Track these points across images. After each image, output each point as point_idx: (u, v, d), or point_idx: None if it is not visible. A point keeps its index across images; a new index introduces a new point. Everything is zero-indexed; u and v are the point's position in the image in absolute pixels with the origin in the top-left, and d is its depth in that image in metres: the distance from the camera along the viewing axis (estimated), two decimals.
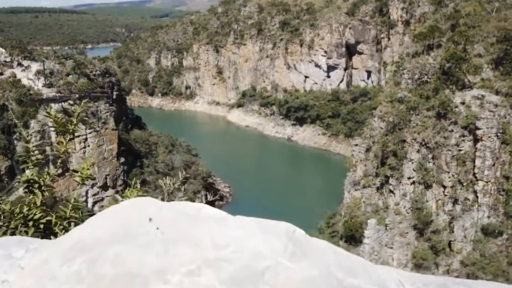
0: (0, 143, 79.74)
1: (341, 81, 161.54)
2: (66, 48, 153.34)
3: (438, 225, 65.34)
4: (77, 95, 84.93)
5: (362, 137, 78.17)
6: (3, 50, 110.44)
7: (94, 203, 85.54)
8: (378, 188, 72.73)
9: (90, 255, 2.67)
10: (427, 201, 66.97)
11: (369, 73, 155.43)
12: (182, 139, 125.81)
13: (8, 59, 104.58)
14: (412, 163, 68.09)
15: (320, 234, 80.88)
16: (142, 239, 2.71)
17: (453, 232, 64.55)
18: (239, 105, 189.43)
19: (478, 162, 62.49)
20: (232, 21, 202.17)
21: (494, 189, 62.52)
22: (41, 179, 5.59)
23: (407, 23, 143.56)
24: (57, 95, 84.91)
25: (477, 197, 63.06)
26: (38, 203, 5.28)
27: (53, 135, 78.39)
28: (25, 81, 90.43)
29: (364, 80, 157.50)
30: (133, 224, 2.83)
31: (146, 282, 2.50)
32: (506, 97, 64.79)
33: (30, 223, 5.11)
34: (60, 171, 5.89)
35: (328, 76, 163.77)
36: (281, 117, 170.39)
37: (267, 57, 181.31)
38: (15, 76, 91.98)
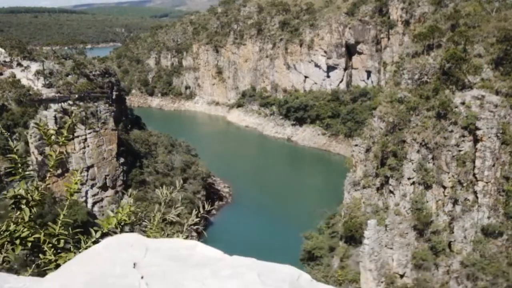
0: None
1: (340, 81, 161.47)
2: (66, 48, 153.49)
3: (438, 225, 65.23)
4: (76, 95, 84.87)
5: (362, 138, 78.04)
6: (3, 50, 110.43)
7: (94, 204, 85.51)
8: (378, 189, 72.62)
9: None
10: (427, 202, 66.85)
11: (368, 73, 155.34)
12: (181, 139, 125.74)
13: (7, 59, 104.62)
14: (412, 163, 67.97)
15: (320, 234, 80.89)
16: None
17: (453, 232, 64.44)
18: (239, 105, 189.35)
19: (478, 162, 62.38)
20: (232, 21, 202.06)
21: (494, 190, 62.42)
22: (28, 195, 5.31)
23: (407, 23, 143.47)
24: (57, 95, 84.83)
25: (477, 197, 62.95)
26: (26, 219, 5.07)
27: (52, 135, 78.24)
28: (24, 81, 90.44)
29: (364, 80, 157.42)
30: (114, 273, 2.44)
31: None
32: (506, 97, 64.68)
33: (17, 241, 4.90)
34: (46, 183, 5.67)
35: (328, 76, 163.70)
36: (280, 117, 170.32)
37: (266, 57, 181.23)
38: (15, 76, 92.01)
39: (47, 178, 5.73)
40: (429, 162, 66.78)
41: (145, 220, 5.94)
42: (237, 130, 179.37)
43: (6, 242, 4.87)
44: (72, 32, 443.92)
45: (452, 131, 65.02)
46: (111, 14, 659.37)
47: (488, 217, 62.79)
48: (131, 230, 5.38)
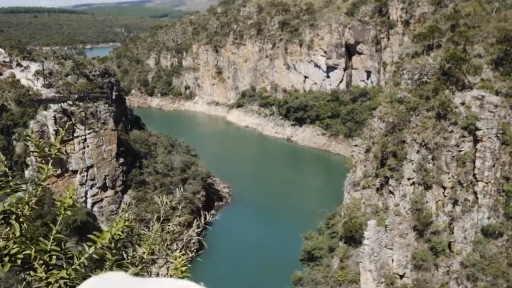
0: None
1: (340, 81, 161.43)
2: (66, 48, 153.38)
3: (438, 226, 65.15)
4: (76, 96, 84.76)
5: (361, 138, 77.96)
6: (2, 50, 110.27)
7: (93, 204, 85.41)
8: (377, 189, 72.54)
9: None
10: (427, 202, 66.78)
11: (368, 73, 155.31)
12: (181, 140, 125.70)
13: (7, 59, 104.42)
14: (412, 164, 67.90)
15: (320, 235, 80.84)
16: None
17: (453, 233, 64.35)
18: (239, 105, 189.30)
19: (478, 163, 62.30)
20: (232, 21, 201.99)
21: (494, 190, 62.34)
22: (18, 210, 5.12)
23: (406, 23, 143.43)
24: (56, 95, 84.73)
25: (477, 198, 62.87)
26: (17, 234, 4.88)
27: (52, 135, 78.24)
28: (24, 82, 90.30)
29: (363, 80, 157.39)
30: None
31: None
32: (506, 97, 64.59)
33: (6, 258, 4.72)
34: (34, 202, 5.48)
35: (328, 76, 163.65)
36: (280, 117, 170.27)
37: (266, 57, 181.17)
38: (14, 77, 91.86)
39: (38, 191, 5.53)
40: (429, 163, 66.71)
41: (142, 233, 5.79)
42: (237, 130, 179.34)
43: None
44: (72, 32, 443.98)
45: (452, 131, 64.95)
46: (111, 14, 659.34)
47: (488, 218, 62.72)
48: (129, 241, 5.29)
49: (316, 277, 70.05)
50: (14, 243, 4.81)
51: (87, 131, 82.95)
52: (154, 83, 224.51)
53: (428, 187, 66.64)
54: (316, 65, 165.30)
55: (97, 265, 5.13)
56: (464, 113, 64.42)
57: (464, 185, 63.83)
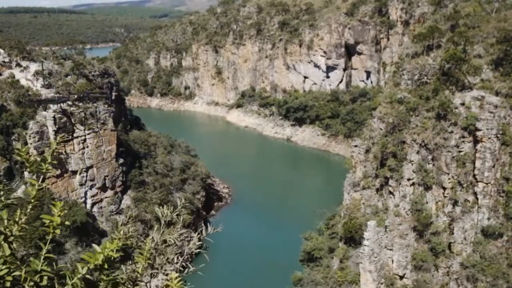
0: None
1: (340, 82, 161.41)
2: (65, 48, 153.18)
3: (438, 226, 65.07)
4: (75, 96, 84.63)
5: (361, 138, 77.87)
6: (2, 51, 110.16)
7: (93, 204, 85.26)
8: (377, 190, 72.45)
9: None
10: (427, 203, 66.70)
11: (368, 73, 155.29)
12: (181, 140, 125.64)
13: (6, 60, 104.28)
14: (412, 164, 67.81)
15: (320, 235, 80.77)
16: None
17: (453, 233, 64.27)
18: (238, 105, 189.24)
19: (478, 163, 62.21)
20: (231, 21, 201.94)
21: (494, 191, 62.25)
22: (7, 230, 4.90)
23: (406, 23, 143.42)
24: (56, 95, 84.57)
25: (477, 198, 62.78)
26: (7, 253, 4.66)
27: (51, 136, 78.11)
28: (23, 82, 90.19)
29: (363, 81, 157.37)
30: None
31: None
32: (506, 98, 64.50)
33: None
34: (23, 218, 5.25)
35: (327, 77, 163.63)
36: (280, 117, 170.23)
37: (266, 57, 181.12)
38: (14, 77, 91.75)
39: (28, 209, 5.29)
40: (429, 163, 66.63)
41: (140, 246, 5.64)
42: (236, 130, 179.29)
43: None
44: (71, 32, 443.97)
45: (452, 132, 64.87)
46: (110, 14, 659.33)
47: (488, 218, 62.64)
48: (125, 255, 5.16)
49: (316, 278, 69.98)
50: (4, 263, 4.58)
51: (86, 132, 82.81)
52: (153, 83, 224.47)
53: (428, 188, 66.57)
54: (316, 65, 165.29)
55: (91, 286, 4.96)
56: (464, 113, 64.34)
57: (464, 185, 63.76)
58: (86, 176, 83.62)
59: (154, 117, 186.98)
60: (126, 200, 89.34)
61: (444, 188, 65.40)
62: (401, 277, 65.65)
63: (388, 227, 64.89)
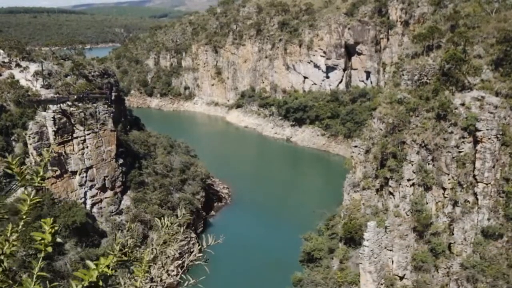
0: None
1: (340, 82, 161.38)
2: (65, 48, 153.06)
3: (438, 227, 65.02)
4: (75, 96, 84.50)
5: (361, 139, 77.81)
6: (2, 51, 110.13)
7: (93, 205, 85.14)
8: (377, 190, 72.41)
9: None
10: (427, 203, 66.65)
11: (368, 73, 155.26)
12: (181, 140, 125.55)
13: (6, 60, 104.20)
14: (412, 165, 67.76)
15: (319, 236, 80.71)
16: None
17: (453, 234, 64.22)
18: (238, 105, 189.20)
19: (478, 164, 62.16)
20: (231, 21, 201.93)
21: (494, 191, 62.20)
22: None
23: (406, 23, 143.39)
24: (56, 96, 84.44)
25: (477, 199, 62.73)
26: None
27: (51, 136, 78.03)
28: (23, 82, 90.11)
29: (363, 81, 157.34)
30: None
31: None
32: (506, 98, 64.45)
33: None
34: (18, 233, 5.10)
35: (327, 77, 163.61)
36: (280, 117, 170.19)
37: (266, 57, 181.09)
38: (13, 77, 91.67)
39: (20, 226, 5.11)
40: (429, 164, 66.58)
41: (134, 264, 5.50)
42: (236, 130, 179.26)
43: None
44: (71, 33, 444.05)
45: (452, 132, 64.82)
46: (110, 14, 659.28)
47: (488, 219, 62.59)
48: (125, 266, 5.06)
49: (316, 278, 69.91)
50: None
51: (86, 132, 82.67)
52: (153, 83, 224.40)
53: (428, 188, 66.52)
54: (316, 66, 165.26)
55: None
56: (464, 114, 64.30)
57: (464, 186, 63.71)
58: (86, 177, 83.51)
59: (153, 118, 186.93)
60: (126, 201, 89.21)
61: (444, 189, 65.36)
62: (401, 278, 65.60)
63: (388, 228, 64.83)
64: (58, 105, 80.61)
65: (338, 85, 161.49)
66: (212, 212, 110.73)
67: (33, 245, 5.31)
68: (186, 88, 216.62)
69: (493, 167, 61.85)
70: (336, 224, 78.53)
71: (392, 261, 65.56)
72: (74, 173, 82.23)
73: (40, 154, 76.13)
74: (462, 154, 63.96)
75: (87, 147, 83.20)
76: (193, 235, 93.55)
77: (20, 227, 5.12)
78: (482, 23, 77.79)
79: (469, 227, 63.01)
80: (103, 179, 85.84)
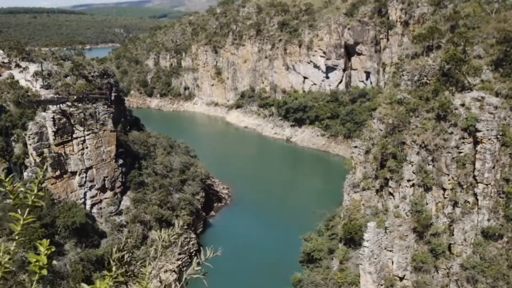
0: None
1: (340, 82, 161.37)
2: (64, 49, 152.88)
3: (438, 228, 64.96)
4: (75, 97, 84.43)
5: (361, 139, 77.75)
6: (1, 51, 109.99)
7: (92, 205, 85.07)
8: (377, 191, 72.35)
9: None
10: (427, 204, 66.59)
11: (368, 74, 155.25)
12: (180, 140, 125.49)
13: (6, 60, 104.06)
14: (412, 165, 67.71)
15: (319, 236, 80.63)
16: None
17: (453, 235, 64.16)
18: (238, 106, 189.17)
19: (478, 164, 62.10)
20: (231, 21, 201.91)
21: (494, 192, 62.14)
22: None
23: (406, 24, 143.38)
24: (55, 96, 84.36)
25: (477, 199, 62.68)
26: None
27: (51, 136, 77.96)
28: (23, 83, 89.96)
29: (363, 81, 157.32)
30: None
31: None
32: (506, 99, 64.37)
33: None
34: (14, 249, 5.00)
35: (327, 77, 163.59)
36: (280, 118, 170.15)
37: (266, 57, 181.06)
38: (13, 77, 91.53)
39: (13, 248, 4.98)
40: (429, 164, 66.53)
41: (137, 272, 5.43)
42: (236, 131, 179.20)
43: None
44: (71, 33, 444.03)
45: (452, 132, 64.77)
46: (110, 15, 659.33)
47: (488, 220, 62.52)
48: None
49: (316, 279, 69.84)
50: None
51: (86, 132, 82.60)
52: (153, 83, 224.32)
53: (428, 189, 66.46)
54: (316, 66, 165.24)
55: None
56: (464, 114, 64.24)
57: (464, 186, 63.65)
58: (86, 177, 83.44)
59: (153, 118, 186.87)
60: (126, 201, 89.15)
61: (444, 189, 65.31)
62: (401, 279, 65.54)
63: (388, 228, 64.79)
64: (58, 106, 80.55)
65: (338, 86, 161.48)
66: (212, 213, 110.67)
67: (27, 267, 5.15)
68: (186, 88, 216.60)
69: (493, 167, 61.80)
70: (336, 224, 78.47)
71: (392, 262, 65.51)
72: (73, 173, 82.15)
73: (41, 154, 76.10)
74: (462, 154, 63.91)
75: (86, 148, 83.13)
76: (193, 235, 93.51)
77: (13, 248, 4.95)
78: (482, 23, 77.74)
79: (469, 228, 62.96)
80: (102, 180, 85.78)
